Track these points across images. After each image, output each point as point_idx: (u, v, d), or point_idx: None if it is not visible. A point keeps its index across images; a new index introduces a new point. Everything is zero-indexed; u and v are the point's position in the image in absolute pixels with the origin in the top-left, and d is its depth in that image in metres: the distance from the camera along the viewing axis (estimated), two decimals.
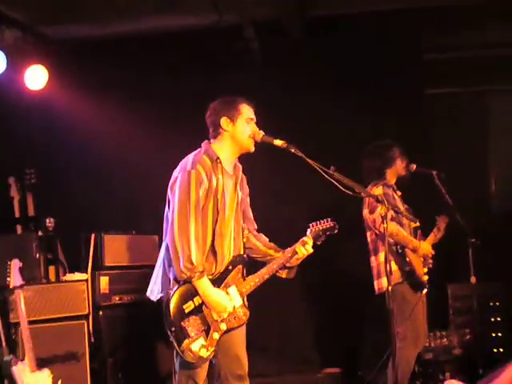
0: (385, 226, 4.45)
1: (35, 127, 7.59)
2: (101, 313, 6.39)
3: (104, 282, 6.50)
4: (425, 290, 5.64)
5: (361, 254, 5.97)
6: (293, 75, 7.38)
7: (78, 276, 6.37)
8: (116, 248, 6.65)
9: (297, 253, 4.44)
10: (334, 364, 7.12)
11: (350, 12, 7.12)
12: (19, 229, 7.02)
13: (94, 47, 7.45)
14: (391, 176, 5.97)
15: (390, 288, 4.43)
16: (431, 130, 7.64)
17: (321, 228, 4.53)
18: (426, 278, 5.68)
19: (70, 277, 6.42)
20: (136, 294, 6.58)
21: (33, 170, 6.95)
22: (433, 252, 5.80)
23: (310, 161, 4.28)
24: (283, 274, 4.53)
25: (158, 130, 7.21)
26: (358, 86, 7.26)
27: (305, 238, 4.47)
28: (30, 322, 5.34)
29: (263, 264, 4.51)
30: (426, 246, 5.76)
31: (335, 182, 4.26)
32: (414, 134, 7.20)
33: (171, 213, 4.21)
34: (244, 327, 4.41)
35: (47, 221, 6.64)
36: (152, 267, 6.53)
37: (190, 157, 4.33)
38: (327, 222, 4.55)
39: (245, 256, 4.44)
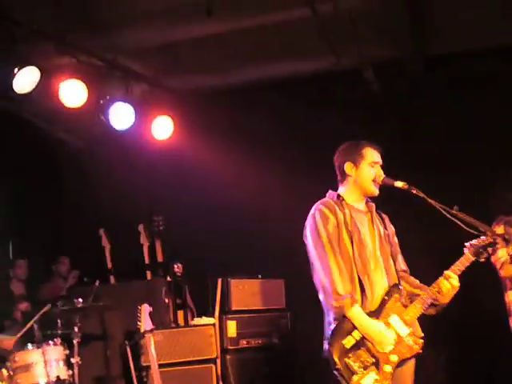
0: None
1: (162, 176, 7.84)
2: (228, 357, 6.44)
3: (231, 326, 6.56)
4: None
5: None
6: (414, 114, 7.29)
7: (205, 320, 6.47)
8: (243, 292, 6.71)
9: (441, 289, 4.25)
10: None
11: (470, 48, 6.99)
12: (149, 275, 7.23)
13: (216, 96, 7.64)
14: None
15: None
16: None
17: (479, 244, 4.25)
18: None
19: (197, 321, 6.53)
20: (263, 338, 6.60)
21: (160, 217, 7.16)
22: None
23: (431, 201, 4.22)
24: (431, 312, 4.34)
25: (285, 176, 7.28)
26: (486, 124, 7.03)
27: (461, 259, 4.25)
28: (160, 366, 5.46)
29: None
30: None
31: (458, 222, 4.17)
32: None
33: (310, 257, 4.29)
34: (413, 363, 4.25)
35: (175, 266, 6.81)
36: (279, 311, 6.64)
37: (315, 204, 4.41)
38: (484, 237, 4.27)
39: (400, 285, 4.36)
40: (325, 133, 7.03)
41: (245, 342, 6.57)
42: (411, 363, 4.24)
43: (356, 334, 4.11)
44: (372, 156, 4.41)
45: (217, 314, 6.54)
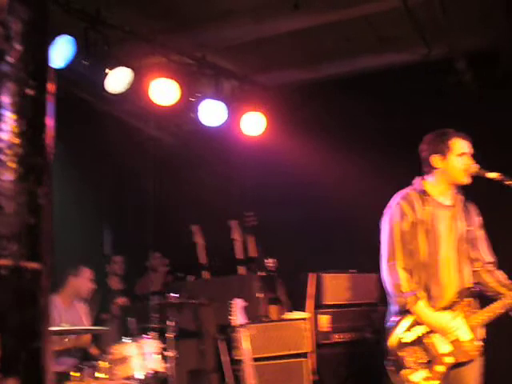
0: None
1: (254, 172, 7.89)
2: (321, 351, 6.44)
3: (324, 320, 6.56)
4: None
5: None
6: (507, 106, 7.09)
7: (298, 315, 6.49)
8: (336, 287, 6.70)
9: None
10: None
11: None
12: (242, 270, 7.29)
13: (306, 91, 7.65)
14: None
15: None
16: None
17: None
18: None
19: (290, 315, 6.55)
20: (356, 332, 6.58)
21: (252, 212, 7.21)
22: None
23: None
24: None
25: (372, 168, 7.22)
26: None
27: None
28: (253, 359, 5.50)
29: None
30: None
31: None
32: None
33: (381, 248, 4.28)
34: (478, 366, 4.22)
35: (268, 261, 6.85)
36: (372, 305, 6.59)
37: (397, 194, 4.37)
38: None
39: (475, 289, 4.28)
40: (415, 124, 6.92)
41: (337, 337, 6.56)
42: (473, 367, 4.17)
43: (416, 331, 4.09)
44: (460, 147, 4.32)
45: (309, 308, 6.55)
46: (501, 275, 4.38)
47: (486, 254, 4.43)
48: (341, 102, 7.66)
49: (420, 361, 4.06)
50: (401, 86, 7.36)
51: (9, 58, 1.60)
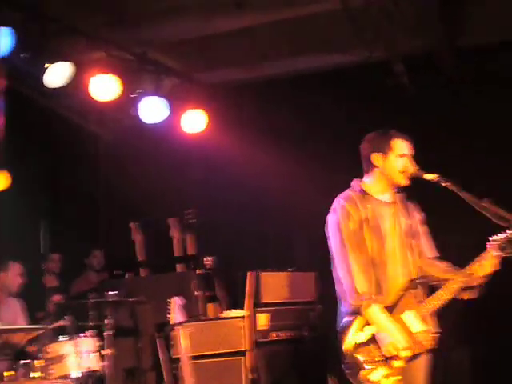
0: None
1: (193, 169, 7.88)
2: (258, 349, 6.44)
3: (262, 318, 6.56)
4: None
5: None
6: (446, 108, 7.23)
7: (235, 313, 6.48)
8: (274, 285, 6.69)
9: (470, 273, 4.24)
10: None
11: (503, 40, 6.92)
12: (180, 267, 7.26)
13: (246, 89, 7.67)
14: None
15: None
16: None
17: (504, 238, 4.20)
18: None
19: (228, 314, 6.55)
20: (294, 331, 6.60)
21: (192, 210, 7.19)
22: None
23: (462, 194, 4.18)
24: (465, 296, 4.34)
25: (313, 168, 7.27)
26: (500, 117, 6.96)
27: (482, 255, 4.24)
28: (191, 358, 5.49)
29: None
30: None
31: (488, 214, 4.13)
32: None
33: (331, 252, 4.31)
34: (427, 358, 4.26)
35: (206, 259, 6.84)
36: (310, 303, 6.62)
37: (339, 197, 4.40)
38: (510, 231, 4.22)
39: (418, 281, 4.33)
40: (352, 125, 7.01)
41: (275, 335, 6.57)
42: (425, 358, 4.24)
43: (369, 330, 4.11)
44: (401, 147, 4.36)
45: (247, 306, 6.55)
46: (444, 265, 4.45)
47: (428, 248, 4.50)
48: (281, 101, 7.71)
49: (377, 359, 4.08)
50: (342, 86, 7.44)
51: None
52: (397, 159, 4.33)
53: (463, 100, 7.18)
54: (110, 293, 5.98)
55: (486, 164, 6.97)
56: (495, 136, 6.98)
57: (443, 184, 4.22)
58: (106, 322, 5.84)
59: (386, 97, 7.35)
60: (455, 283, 4.24)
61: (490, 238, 4.28)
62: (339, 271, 4.23)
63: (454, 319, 6.65)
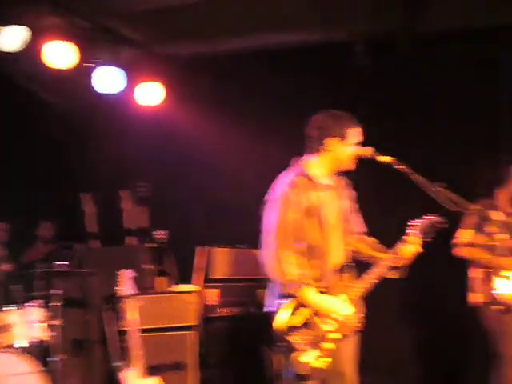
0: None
1: (149, 142, 7.82)
2: (207, 324, 6.47)
3: (212, 294, 6.59)
4: None
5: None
6: (400, 90, 7.29)
7: (186, 287, 6.49)
8: (224, 261, 6.73)
9: (397, 253, 4.33)
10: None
11: (461, 26, 6.98)
12: (130, 240, 7.23)
13: (204, 63, 7.62)
14: (503, 197, 5.64)
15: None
16: None
17: (427, 222, 4.35)
18: None
19: (178, 288, 6.56)
20: (243, 307, 6.64)
21: (144, 183, 7.14)
22: None
23: (414, 177, 4.21)
24: (394, 275, 4.40)
25: (267, 144, 7.28)
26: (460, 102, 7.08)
27: (406, 237, 4.32)
28: (139, 331, 5.48)
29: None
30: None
31: (438, 199, 4.18)
32: None
33: (263, 230, 4.26)
34: (355, 343, 4.35)
35: (157, 233, 6.81)
36: (259, 281, 6.66)
37: (281, 179, 4.36)
38: (433, 216, 4.38)
39: (350, 263, 4.37)
40: (308, 102, 6.99)
41: (224, 311, 6.61)
42: (353, 340, 4.33)
43: (301, 313, 4.15)
44: (356, 135, 4.35)
45: (197, 281, 6.56)
46: (371, 240, 4.52)
47: (357, 224, 4.55)
48: (239, 76, 7.67)
49: (309, 341, 4.13)
50: (300, 64, 7.44)
51: None
52: (351, 146, 4.33)
53: (421, 82, 7.25)
54: (59, 263, 5.93)
55: (445, 145, 7.06)
56: (452, 117, 7.07)
57: (398, 167, 4.26)
58: (53, 292, 5.80)
59: (345, 77, 7.37)
60: (382, 266, 4.31)
61: (411, 222, 4.38)
62: (272, 254, 4.16)
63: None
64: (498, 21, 6.83)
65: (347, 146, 4.31)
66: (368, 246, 4.51)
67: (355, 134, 4.34)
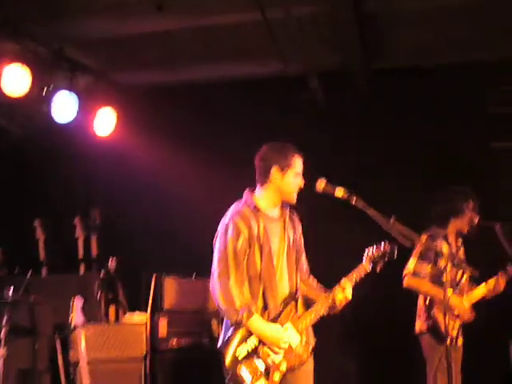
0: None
1: (101, 170, 7.78)
2: (157, 356, 6.40)
3: (162, 324, 6.53)
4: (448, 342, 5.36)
5: None
6: (356, 125, 7.40)
7: (137, 317, 6.43)
8: (176, 291, 6.68)
9: (334, 300, 4.33)
10: None
11: (416, 64, 7.14)
12: (82, 269, 7.15)
13: (160, 93, 7.64)
14: (453, 227, 5.76)
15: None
16: (497, 182, 7.50)
17: (377, 254, 4.40)
18: (454, 332, 5.48)
19: (129, 317, 6.49)
20: (194, 338, 6.60)
21: (97, 211, 7.09)
22: (465, 307, 5.53)
23: (370, 211, 4.24)
24: (333, 312, 4.40)
25: (222, 175, 7.29)
26: (422, 137, 7.22)
27: (343, 281, 4.34)
28: (89, 361, 5.40)
29: None
30: (455, 300, 5.50)
31: (393, 234, 4.22)
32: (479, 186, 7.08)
33: (213, 262, 4.28)
34: (310, 368, 4.35)
35: (109, 261, 6.75)
36: (211, 312, 6.62)
37: (231, 209, 4.39)
38: (384, 245, 4.42)
39: (297, 294, 4.39)
40: (262, 134, 7.05)
41: (175, 342, 6.55)
42: (305, 369, 4.32)
43: (250, 342, 4.16)
44: (299, 166, 4.37)
45: (149, 311, 6.50)
46: (315, 284, 4.55)
47: (303, 263, 4.57)
48: (194, 106, 7.71)
49: (258, 371, 4.12)
50: (256, 96, 7.50)
51: None
52: (294, 177, 4.35)
53: (373, 118, 7.37)
54: (8, 292, 5.82)
55: (396, 179, 7.17)
56: (401, 152, 7.19)
57: (352, 202, 4.28)
58: (1, 320, 5.69)
59: (298, 109, 7.46)
60: (319, 310, 4.33)
61: (366, 249, 4.44)
62: (218, 284, 4.18)
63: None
64: (445, 61, 7.04)
65: (290, 177, 4.34)
66: (308, 289, 4.52)
67: (298, 163, 4.36)
